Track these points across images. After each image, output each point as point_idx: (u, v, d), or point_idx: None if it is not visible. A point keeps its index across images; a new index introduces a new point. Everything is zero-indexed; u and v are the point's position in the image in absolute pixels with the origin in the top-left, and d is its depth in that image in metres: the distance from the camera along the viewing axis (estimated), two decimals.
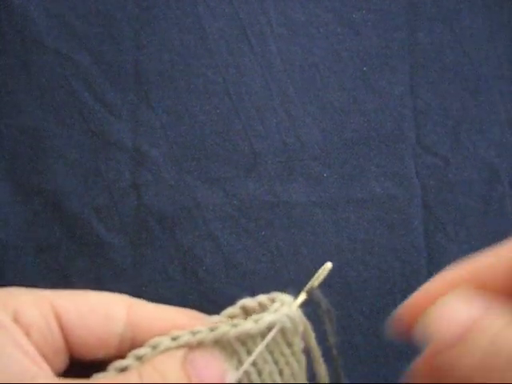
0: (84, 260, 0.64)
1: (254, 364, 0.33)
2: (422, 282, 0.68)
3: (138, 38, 0.68)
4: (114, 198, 0.65)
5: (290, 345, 0.35)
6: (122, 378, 0.31)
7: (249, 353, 0.33)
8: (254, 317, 0.34)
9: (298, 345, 0.34)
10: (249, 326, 0.34)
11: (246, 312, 0.35)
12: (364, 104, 0.69)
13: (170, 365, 0.33)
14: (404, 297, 0.65)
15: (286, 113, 0.68)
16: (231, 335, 0.33)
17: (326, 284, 0.70)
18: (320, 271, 0.36)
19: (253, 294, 0.38)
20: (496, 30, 0.70)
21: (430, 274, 0.66)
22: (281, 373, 0.34)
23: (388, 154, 0.68)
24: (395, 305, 0.65)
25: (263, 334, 0.33)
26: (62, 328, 0.33)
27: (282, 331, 0.34)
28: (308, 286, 0.36)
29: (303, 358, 0.35)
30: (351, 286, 0.66)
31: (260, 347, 0.34)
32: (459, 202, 0.67)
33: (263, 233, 0.66)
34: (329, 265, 0.37)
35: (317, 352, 0.36)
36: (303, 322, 0.35)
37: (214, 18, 0.69)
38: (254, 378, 0.33)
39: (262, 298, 0.35)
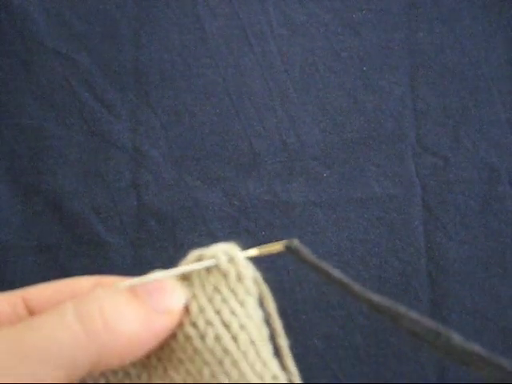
0: (84, 260, 0.64)
1: (209, 300, 0.33)
2: (422, 282, 0.68)
3: (138, 37, 0.68)
4: (114, 198, 0.65)
5: (233, 292, 0.33)
6: (55, 311, 0.31)
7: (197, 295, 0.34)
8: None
9: (243, 294, 0.33)
10: (188, 267, 0.34)
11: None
12: (364, 104, 0.69)
13: (114, 292, 0.33)
14: (404, 297, 0.65)
15: (285, 113, 0.68)
16: (172, 274, 0.33)
17: (325, 283, 0.70)
18: (285, 241, 0.36)
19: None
20: (496, 30, 0.70)
21: (429, 273, 0.66)
22: (230, 318, 0.33)
23: (388, 154, 0.68)
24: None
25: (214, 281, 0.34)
26: (31, 312, 0.35)
27: (224, 275, 0.34)
28: (265, 247, 0.35)
29: (254, 311, 0.33)
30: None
31: (185, 268, 0.34)
32: (459, 201, 0.67)
33: (263, 233, 0.66)
34: (295, 241, 0.37)
35: (271, 307, 0.35)
36: (252, 272, 0.34)
37: (213, 17, 0.69)
38: (211, 316, 0.33)
39: (213, 248, 0.34)
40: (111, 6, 0.68)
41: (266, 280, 0.35)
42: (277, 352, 0.35)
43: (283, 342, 0.36)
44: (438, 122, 0.69)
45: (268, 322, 0.35)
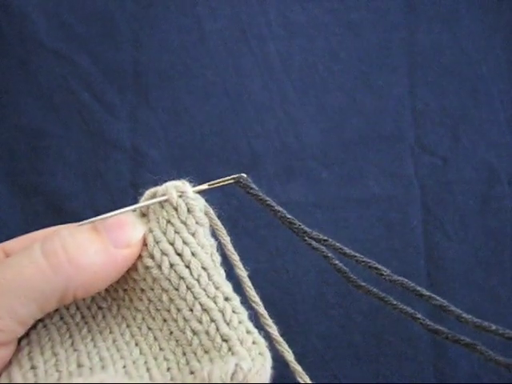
0: None
1: (163, 233, 0.36)
2: (422, 282, 0.68)
3: (137, 38, 0.68)
4: (114, 197, 0.66)
5: (184, 223, 0.36)
6: (25, 251, 0.34)
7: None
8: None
9: (194, 225, 0.36)
10: (142, 204, 0.37)
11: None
12: (363, 104, 0.69)
13: (76, 230, 0.35)
14: (403, 296, 0.65)
15: (285, 113, 0.68)
16: (127, 209, 0.36)
17: (325, 283, 0.70)
18: (235, 175, 0.39)
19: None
20: (494, 30, 0.70)
21: (429, 273, 0.66)
22: (183, 246, 0.36)
23: (387, 154, 0.68)
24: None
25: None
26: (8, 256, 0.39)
27: (175, 208, 0.36)
28: (216, 182, 0.38)
29: (205, 240, 0.36)
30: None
31: (139, 205, 0.36)
32: (458, 201, 0.67)
33: (263, 233, 0.66)
34: (244, 175, 0.39)
35: (225, 238, 0.37)
36: (202, 204, 0.37)
37: (213, 18, 0.69)
38: (165, 246, 0.35)
39: (165, 185, 0.37)
40: (111, 6, 0.68)
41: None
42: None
43: (241, 271, 0.38)
44: (436, 122, 0.69)
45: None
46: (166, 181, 0.37)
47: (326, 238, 0.37)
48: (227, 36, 0.69)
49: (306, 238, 0.38)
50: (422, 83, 0.69)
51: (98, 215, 0.69)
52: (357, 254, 0.36)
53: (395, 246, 0.66)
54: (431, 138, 0.68)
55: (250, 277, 0.38)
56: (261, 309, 0.37)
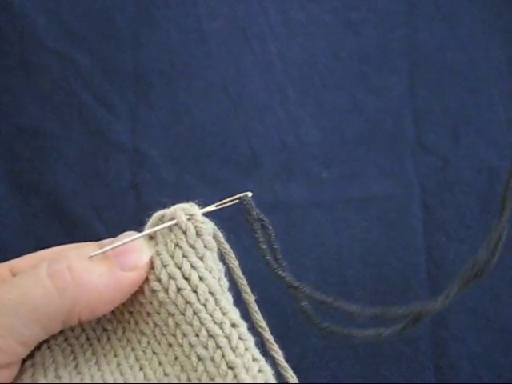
0: None
1: (171, 256, 0.35)
2: (422, 282, 0.68)
3: (138, 37, 0.68)
4: (114, 197, 0.66)
5: (193, 247, 0.36)
6: (31, 271, 0.34)
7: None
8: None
9: (202, 248, 0.35)
10: (151, 230, 0.37)
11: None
12: (363, 104, 0.69)
13: (83, 252, 0.35)
14: (403, 296, 0.65)
15: (285, 113, 0.68)
16: (137, 237, 0.36)
17: (325, 283, 0.70)
18: (241, 195, 0.38)
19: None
20: (495, 30, 0.70)
21: (429, 273, 0.66)
22: (191, 272, 0.35)
23: (387, 154, 0.68)
24: (394, 304, 0.65)
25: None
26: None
27: (184, 231, 0.36)
28: (222, 202, 0.38)
29: (213, 264, 0.35)
30: (350, 285, 0.66)
31: (148, 232, 0.36)
32: (458, 201, 0.67)
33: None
34: (249, 194, 0.39)
35: (233, 262, 0.37)
36: (211, 228, 0.37)
37: (213, 18, 0.69)
38: (173, 270, 0.35)
39: (174, 208, 0.37)
40: (111, 6, 0.68)
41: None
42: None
43: (248, 296, 0.38)
44: (437, 121, 0.69)
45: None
46: (173, 203, 0.37)
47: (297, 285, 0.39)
48: (227, 35, 0.69)
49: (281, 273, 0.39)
50: (423, 83, 0.69)
51: (98, 215, 0.69)
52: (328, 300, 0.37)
53: (395, 246, 0.66)
54: (432, 138, 0.68)
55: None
56: (267, 334, 0.37)
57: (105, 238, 0.37)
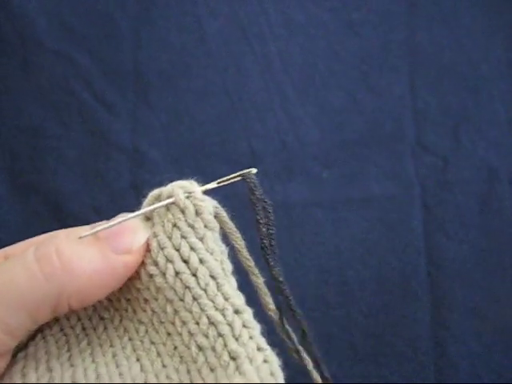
0: None
1: (168, 237, 0.33)
2: (422, 282, 0.68)
3: (138, 37, 0.68)
4: (114, 197, 0.65)
5: (192, 227, 0.33)
6: (19, 255, 0.32)
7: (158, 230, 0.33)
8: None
9: (202, 228, 0.32)
10: (146, 209, 0.34)
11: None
12: (363, 104, 0.69)
13: (73, 235, 0.33)
14: (403, 296, 0.65)
15: (285, 113, 0.68)
16: (131, 217, 0.33)
17: (325, 283, 0.70)
18: (245, 171, 0.36)
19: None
20: (495, 30, 0.70)
21: (429, 273, 0.66)
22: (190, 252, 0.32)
23: (387, 154, 0.68)
24: (394, 304, 0.65)
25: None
26: None
27: (182, 211, 0.33)
28: (223, 179, 0.35)
29: (215, 246, 0.32)
30: (350, 285, 0.66)
31: (144, 211, 0.33)
32: (458, 201, 0.67)
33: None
34: (253, 170, 0.36)
35: (239, 242, 0.34)
36: (212, 206, 0.34)
37: (213, 18, 0.69)
38: (171, 252, 0.32)
39: (171, 185, 0.34)
40: (111, 6, 0.68)
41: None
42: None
43: (257, 278, 0.35)
44: (437, 121, 0.69)
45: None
46: (170, 181, 0.35)
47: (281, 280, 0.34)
48: (227, 35, 0.69)
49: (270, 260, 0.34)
50: (423, 83, 0.69)
51: (98, 215, 0.69)
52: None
53: (395, 246, 0.66)
54: (432, 138, 0.68)
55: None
56: (277, 318, 0.34)
57: None
